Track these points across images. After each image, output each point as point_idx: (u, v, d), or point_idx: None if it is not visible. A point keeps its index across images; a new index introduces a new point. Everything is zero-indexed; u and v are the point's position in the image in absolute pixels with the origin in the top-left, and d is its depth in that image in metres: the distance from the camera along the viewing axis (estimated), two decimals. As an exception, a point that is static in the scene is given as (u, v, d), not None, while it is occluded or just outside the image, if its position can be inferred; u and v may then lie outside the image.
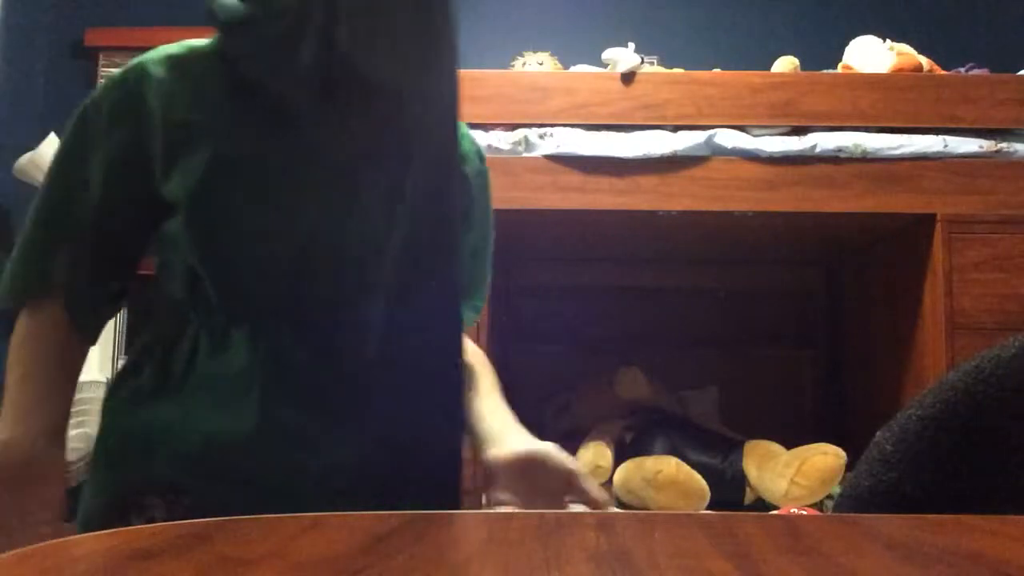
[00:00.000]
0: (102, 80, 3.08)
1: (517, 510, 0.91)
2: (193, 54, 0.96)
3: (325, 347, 0.93)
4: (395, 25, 0.90)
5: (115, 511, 0.90)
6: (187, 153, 0.91)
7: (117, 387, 0.97)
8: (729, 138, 2.16)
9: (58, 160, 0.98)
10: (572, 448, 2.24)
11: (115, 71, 0.99)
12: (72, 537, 0.46)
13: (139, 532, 0.47)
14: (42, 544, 0.44)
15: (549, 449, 0.92)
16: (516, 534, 0.47)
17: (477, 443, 0.99)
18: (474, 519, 0.52)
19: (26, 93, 3.05)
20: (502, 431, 0.98)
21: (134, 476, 0.90)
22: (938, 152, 2.16)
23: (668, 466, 2.07)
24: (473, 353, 1.09)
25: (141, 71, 0.94)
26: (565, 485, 0.91)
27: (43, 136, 2.72)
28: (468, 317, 1.08)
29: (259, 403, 0.89)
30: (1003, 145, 2.17)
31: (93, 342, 1.00)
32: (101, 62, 3.12)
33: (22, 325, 0.96)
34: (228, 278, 0.92)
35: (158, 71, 0.94)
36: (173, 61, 0.95)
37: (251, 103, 0.93)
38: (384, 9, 0.90)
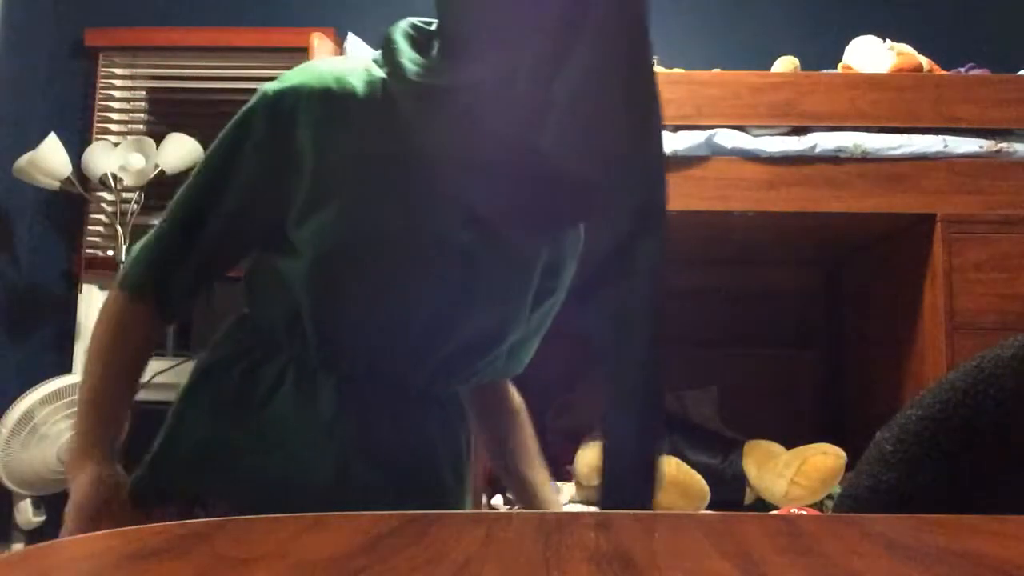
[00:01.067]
0: (104, 80, 3.09)
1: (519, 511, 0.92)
2: (351, 94, 0.89)
3: (411, 416, 0.95)
4: (612, 122, 0.81)
5: (173, 507, 0.90)
6: (327, 204, 0.87)
7: (196, 387, 0.97)
8: (729, 138, 2.16)
9: (208, 164, 0.94)
10: (572, 448, 2.24)
11: (269, 85, 0.91)
12: (72, 537, 0.46)
13: (139, 532, 0.47)
14: (42, 544, 0.44)
15: None
16: (516, 534, 0.47)
17: (526, 503, 1.14)
18: (474, 519, 0.52)
19: (26, 93, 3.05)
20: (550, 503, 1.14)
21: (198, 483, 0.91)
22: (938, 152, 2.16)
23: (668, 466, 2.07)
24: (519, 404, 1.17)
25: (295, 101, 0.88)
26: None
27: (43, 136, 2.72)
28: (521, 365, 1.09)
29: (337, 456, 0.90)
30: (1003, 145, 2.17)
31: (171, 323, 1.00)
32: (101, 62, 3.13)
33: (114, 313, 0.96)
34: (334, 332, 0.91)
35: (314, 107, 0.87)
36: (332, 99, 0.88)
37: (407, 171, 0.88)
38: (603, 104, 0.80)
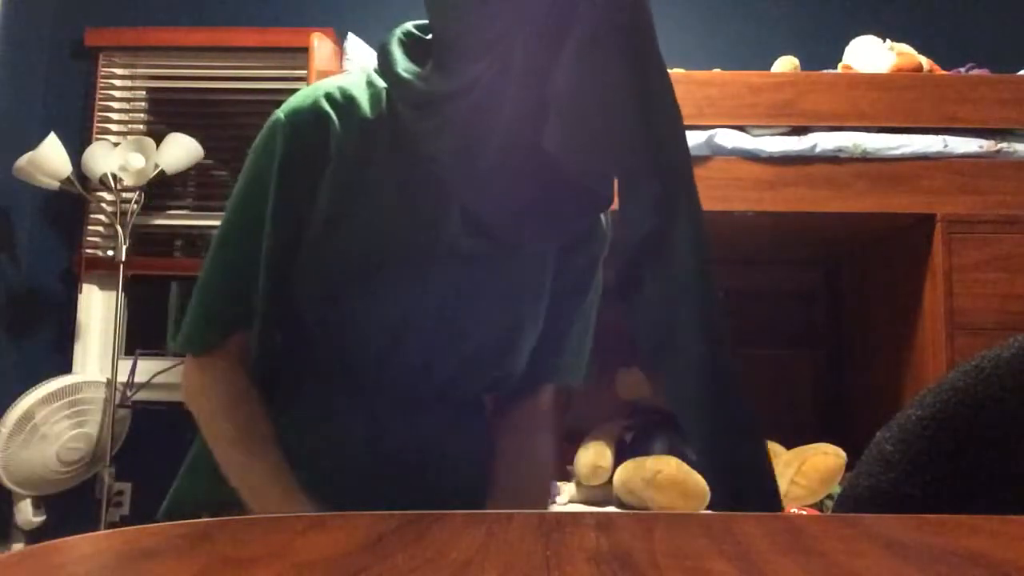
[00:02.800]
0: (103, 80, 3.09)
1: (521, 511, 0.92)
2: (358, 109, 0.89)
3: (427, 424, 0.95)
4: (616, 117, 0.80)
5: (203, 516, 0.90)
6: (340, 218, 0.87)
7: None
8: (729, 138, 2.16)
9: (241, 193, 0.92)
10: (572, 448, 2.24)
11: (279, 111, 0.90)
12: (72, 537, 0.46)
13: (139, 532, 0.47)
14: (42, 544, 0.44)
15: None
16: (516, 534, 0.47)
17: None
18: (474, 519, 0.52)
19: (26, 93, 3.05)
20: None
21: (229, 490, 0.90)
22: (938, 152, 2.16)
23: (668, 466, 2.07)
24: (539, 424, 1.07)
25: (308, 119, 0.88)
26: None
27: (43, 136, 2.72)
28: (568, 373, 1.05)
29: (352, 467, 0.91)
30: (1003, 145, 2.17)
31: (267, 397, 0.94)
32: (101, 62, 3.13)
33: (212, 387, 0.91)
34: (344, 342, 0.90)
35: (325, 124, 0.88)
36: (341, 115, 0.89)
37: (413, 181, 0.88)
38: (603, 103, 0.79)
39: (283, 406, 0.92)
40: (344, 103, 0.89)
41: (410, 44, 0.91)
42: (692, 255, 0.81)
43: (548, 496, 1.05)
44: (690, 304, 0.81)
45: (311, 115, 0.89)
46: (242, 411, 0.91)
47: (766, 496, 0.80)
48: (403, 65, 0.88)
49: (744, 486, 0.81)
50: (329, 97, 0.89)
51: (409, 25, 0.93)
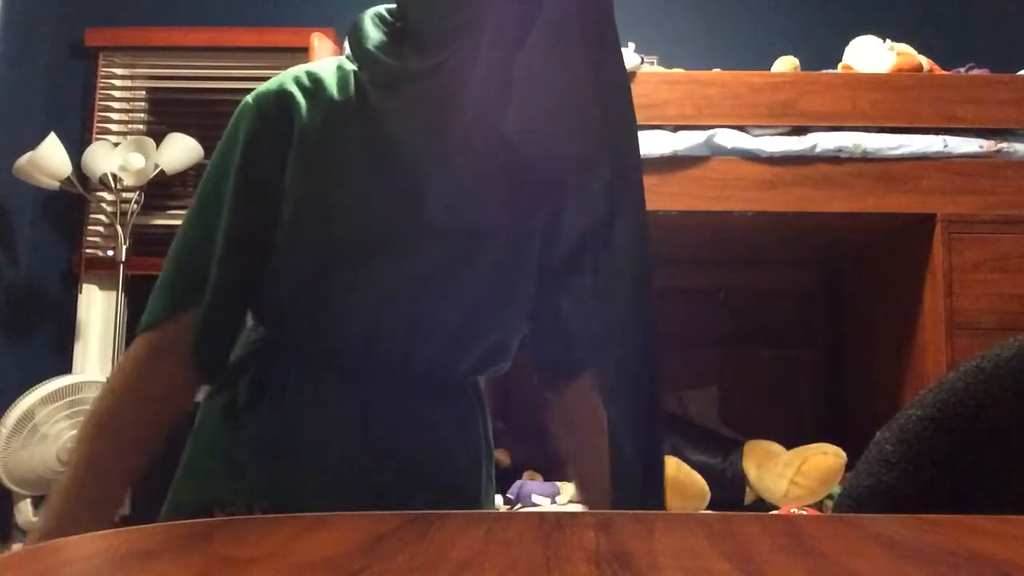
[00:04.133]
0: (103, 80, 3.09)
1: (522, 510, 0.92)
2: (326, 91, 0.91)
3: (417, 405, 0.94)
4: (574, 103, 0.82)
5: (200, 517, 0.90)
6: (312, 198, 0.88)
7: (211, 398, 0.96)
8: (729, 138, 2.16)
9: (207, 174, 0.93)
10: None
11: (248, 97, 0.92)
12: (72, 537, 0.46)
13: (139, 532, 0.47)
14: (42, 544, 0.44)
15: None
16: (516, 534, 0.47)
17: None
18: (474, 519, 0.52)
19: (26, 93, 3.05)
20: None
21: (223, 487, 0.90)
22: (938, 152, 2.16)
23: (668, 466, 2.06)
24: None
25: (277, 102, 0.90)
26: None
27: (43, 136, 2.72)
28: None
29: (345, 450, 0.90)
30: (1003, 145, 2.17)
31: (208, 381, 0.94)
32: (101, 62, 3.13)
33: (136, 362, 0.90)
34: (329, 322, 0.91)
35: (293, 107, 0.89)
36: (309, 98, 0.90)
37: (383, 160, 0.89)
38: (563, 89, 0.82)
39: (273, 400, 0.92)
40: (311, 86, 0.91)
41: (383, 25, 0.93)
42: (635, 247, 0.84)
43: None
44: (627, 296, 0.85)
45: (276, 97, 0.91)
46: (128, 397, 0.90)
47: (649, 499, 0.85)
48: (374, 43, 0.90)
49: (642, 483, 0.85)
50: (296, 80, 0.91)
51: (380, 8, 0.95)
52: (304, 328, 0.92)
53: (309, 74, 0.92)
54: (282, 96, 0.91)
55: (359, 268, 0.89)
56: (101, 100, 3.12)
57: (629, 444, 0.86)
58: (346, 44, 0.96)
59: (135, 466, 0.90)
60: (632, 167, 0.87)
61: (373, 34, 0.91)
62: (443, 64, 0.84)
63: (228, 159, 0.91)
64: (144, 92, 3.18)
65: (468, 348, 0.96)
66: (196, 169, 2.94)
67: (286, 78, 0.92)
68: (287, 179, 0.89)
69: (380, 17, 0.94)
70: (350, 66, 0.93)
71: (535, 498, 2.11)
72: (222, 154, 0.92)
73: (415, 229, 0.89)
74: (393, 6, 0.94)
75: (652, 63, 2.54)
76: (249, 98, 0.93)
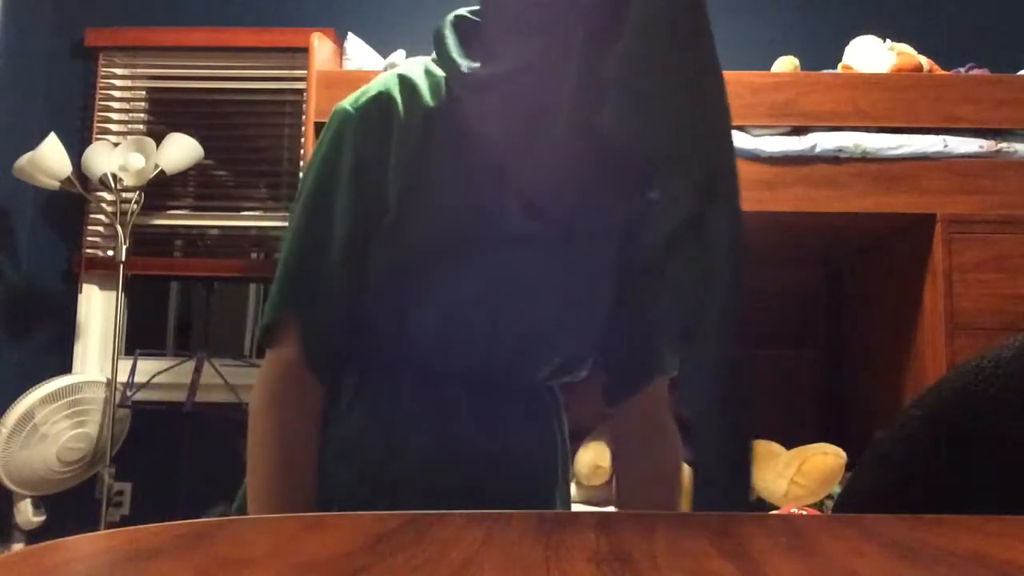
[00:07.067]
0: (103, 80, 3.09)
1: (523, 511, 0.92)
2: (421, 99, 0.90)
3: (494, 412, 0.94)
4: (668, 96, 0.80)
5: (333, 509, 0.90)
6: (408, 208, 0.88)
7: None
8: (729, 138, 2.16)
9: (311, 189, 0.92)
10: (572, 448, 2.24)
11: (343, 104, 0.91)
12: (72, 537, 0.46)
13: (139, 532, 0.47)
14: (42, 544, 0.44)
15: None
16: (516, 534, 0.47)
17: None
18: (474, 519, 0.52)
19: (26, 93, 3.05)
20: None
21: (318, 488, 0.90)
22: (938, 152, 2.16)
23: (668, 466, 2.06)
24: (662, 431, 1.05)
25: (374, 112, 0.89)
26: None
27: (43, 136, 2.72)
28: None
29: (420, 455, 0.91)
30: (1003, 145, 2.17)
31: (327, 382, 0.93)
32: (101, 62, 3.13)
33: (274, 395, 0.89)
34: (409, 329, 0.91)
35: (392, 115, 0.89)
36: (407, 106, 0.90)
37: (473, 166, 0.88)
38: (657, 79, 0.79)
39: (350, 403, 0.92)
40: (408, 92, 0.91)
41: (462, 29, 0.92)
42: (728, 243, 0.82)
43: (677, 496, 1.04)
44: (718, 293, 0.82)
45: (377, 103, 0.90)
46: (289, 411, 0.90)
47: (735, 500, 0.82)
48: (458, 51, 0.89)
49: (732, 487, 0.82)
50: (396, 86, 0.91)
51: (462, 10, 0.95)
52: (385, 332, 0.92)
53: (404, 80, 0.91)
54: (383, 103, 0.90)
55: (441, 273, 0.89)
56: (101, 100, 3.12)
57: (718, 446, 0.84)
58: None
59: (313, 475, 0.90)
60: (729, 162, 0.85)
61: (454, 44, 0.90)
62: (532, 64, 0.83)
63: (335, 165, 0.90)
64: (144, 92, 3.18)
65: (545, 354, 0.96)
66: (196, 169, 2.94)
67: (385, 86, 0.91)
68: (388, 186, 0.89)
69: (460, 18, 0.93)
70: (438, 71, 0.92)
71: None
72: (324, 160, 0.91)
73: (497, 234, 0.89)
74: (472, 8, 0.94)
75: (652, 63, 2.54)
76: (346, 105, 0.91)
